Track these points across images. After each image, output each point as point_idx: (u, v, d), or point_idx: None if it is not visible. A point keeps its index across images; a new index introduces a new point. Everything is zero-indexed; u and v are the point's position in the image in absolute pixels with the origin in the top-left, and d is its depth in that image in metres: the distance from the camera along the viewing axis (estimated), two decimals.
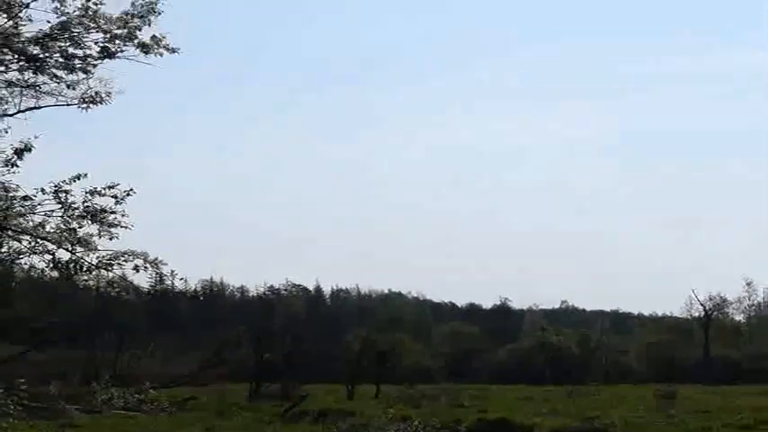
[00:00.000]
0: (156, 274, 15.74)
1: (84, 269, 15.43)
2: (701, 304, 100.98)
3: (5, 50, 14.70)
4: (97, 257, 15.07)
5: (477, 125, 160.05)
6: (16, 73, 15.01)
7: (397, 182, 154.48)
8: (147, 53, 14.21)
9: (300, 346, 79.77)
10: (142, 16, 13.96)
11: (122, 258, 15.07)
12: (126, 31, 14.02)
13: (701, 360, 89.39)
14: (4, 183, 15.93)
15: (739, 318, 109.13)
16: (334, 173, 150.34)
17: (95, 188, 15.39)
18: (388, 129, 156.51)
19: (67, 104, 15.57)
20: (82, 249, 15.35)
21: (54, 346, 58.46)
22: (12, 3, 14.11)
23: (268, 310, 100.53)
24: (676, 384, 60.46)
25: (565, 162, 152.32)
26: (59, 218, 15.42)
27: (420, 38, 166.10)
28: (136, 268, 14.89)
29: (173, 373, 64.65)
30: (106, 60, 14.47)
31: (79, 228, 15.40)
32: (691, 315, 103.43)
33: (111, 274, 15.37)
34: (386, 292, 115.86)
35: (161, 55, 14.16)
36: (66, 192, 15.35)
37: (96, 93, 15.06)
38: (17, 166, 15.61)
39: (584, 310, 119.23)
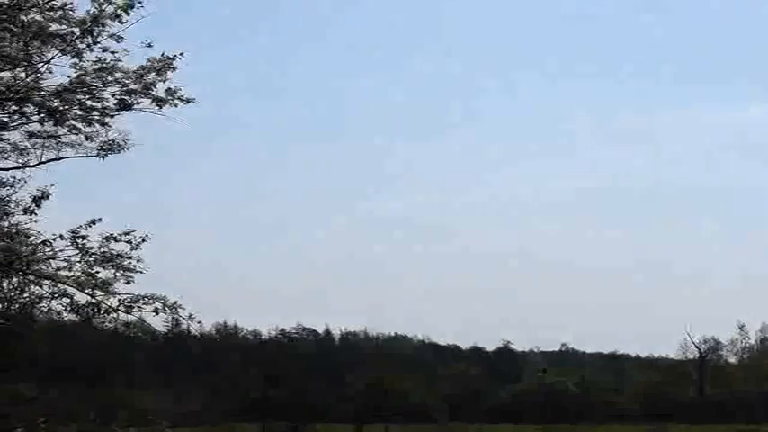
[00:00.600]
0: (173, 317, 15.71)
1: (103, 312, 15.39)
2: (696, 346, 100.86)
3: (27, 104, 14.74)
4: (118, 300, 15.05)
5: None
6: (37, 125, 15.06)
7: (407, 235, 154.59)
8: (161, 107, 14.27)
9: (309, 387, 79.70)
10: (159, 71, 14.04)
11: (142, 301, 15.04)
12: (142, 85, 14.09)
13: (696, 400, 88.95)
14: (24, 230, 15.94)
15: (733, 359, 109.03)
16: (339, 228, 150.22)
17: (111, 234, 15.39)
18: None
19: (87, 156, 15.66)
20: (102, 293, 15.32)
21: (71, 384, 58.30)
22: (33, 58, 14.17)
23: (279, 352, 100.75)
24: (669, 424, 60.05)
25: (567, 212, 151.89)
26: (78, 263, 15.39)
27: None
28: (156, 311, 14.86)
29: (184, 410, 64.38)
30: (123, 112, 14.53)
31: (98, 273, 15.38)
32: (686, 356, 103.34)
33: (129, 317, 15.32)
34: (392, 334, 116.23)
35: (176, 106, 14.23)
36: (83, 237, 15.35)
37: (113, 140, 15.13)
38: (35, 213, 15.62)
39: (583, 352, 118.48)
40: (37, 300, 17.11)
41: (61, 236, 15.43)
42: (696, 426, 66.18)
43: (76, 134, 14.96)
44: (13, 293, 23.52)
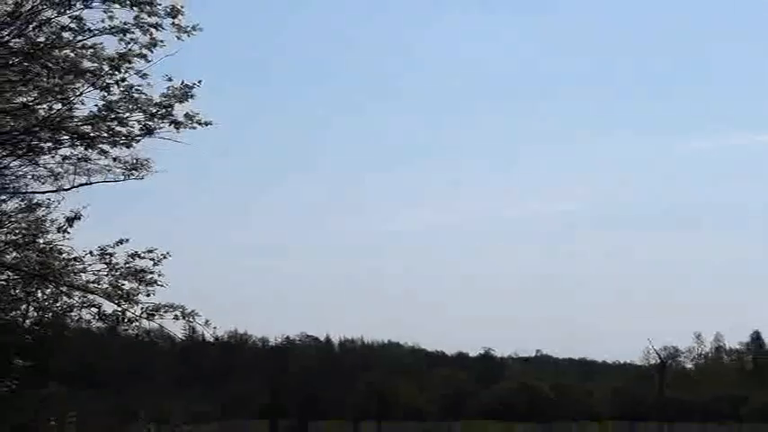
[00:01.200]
0: (190, 325, 15.66)
1: (127, 320, 15.34)
2: (657, 353, 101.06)
3: (61, 131, 14.77)
4: (141, 309, 15.02)
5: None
6: (70, 149, 15.12)
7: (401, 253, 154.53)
8: (178, 129, 14.27)
9: (312, 388, 79.60)
10: (180, 99, 14.05)
11: (163, 310, 14.98)
12: (164, 110, 14.12)
13: (658, 401, 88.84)
14: (58, 246, 15.96)
15: (690, 365, 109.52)
16: (342, 248, 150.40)
17: (136, 252, 15.37)
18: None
19: (115, 180, 15.77)
20: (126, 304, 15.31)
21: (98, 386, 58.03)
22: (66, 91, 14.22)
23: (285, 357, 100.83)
24: (635, 422, 59.88)
25: (541, 239, 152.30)
26: (106, 276, 15.37)
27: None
28: (175, 317, 14.80)
29: (200, 410, 64.19)
30: (147, 138, 14.54)
31: (123, 285, 15.36)
32: (648, 362, 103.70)
33: (151, 324, 15.27)
34: (385, 341, 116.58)
35: (194, 128, 14.21)
36: (111, 254, 15.34)
37: (137, 160, 15.18)
38: (68, 232, 15.67)
39: (556, 358, 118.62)
40: (68, 309, 17.05)
41: (91, 252, 15.41)
42: (658, 423, 66.10)
43: (105, 156, 14.98)
44: (47, 303, 23.40)
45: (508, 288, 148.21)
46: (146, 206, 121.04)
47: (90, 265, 15.29)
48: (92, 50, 13.87)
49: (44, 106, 14.48)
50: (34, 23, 13.61)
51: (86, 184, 16.18)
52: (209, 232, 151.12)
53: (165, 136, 14.32)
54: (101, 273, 15.13)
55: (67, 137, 14.62)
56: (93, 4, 13.43)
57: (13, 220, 20.30)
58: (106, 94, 13.93)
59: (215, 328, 15.05)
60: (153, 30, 13.55)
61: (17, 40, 13.76)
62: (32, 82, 13.95)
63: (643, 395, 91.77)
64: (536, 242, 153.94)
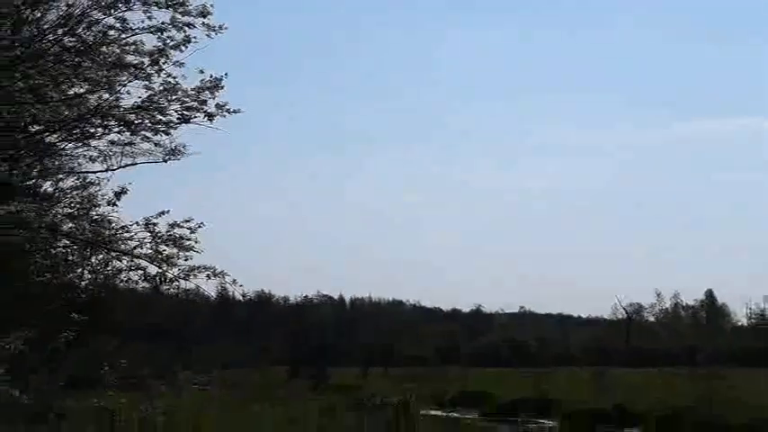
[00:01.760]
0: (221, 285, 15.64)
1: (167, 280, 15.33)
2: (624, 309, 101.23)
3: (109, 119, 14.78)
4: (179, 270, 15.02)
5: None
6: (117, 135, 15.13)
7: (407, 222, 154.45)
8: (211, 120, 14.24)
9: (327, 340, 79.82)
10: (210, 90, 14.02)
11: (197, 270, 14.97)
12: (197, 102, 14.11)
13: (625, 350, 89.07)
14: (108, 217, 15.99)
15: (652, 319, 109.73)
16: (354, 213, 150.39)
17: (175, 221, 15.34)
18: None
19: (155, 162, 15.86)
20: (167, 266, 15.29)
21: (144, 340, 58.14)
22: (113, 83, 14.22)
23: (303, 313, 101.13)
24: (605, 368, 59.98)
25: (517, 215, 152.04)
26: (149, 243, 15.36)
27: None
28: (208, 277, 14.79)
29: (229, 359, 64.43)
30: (183, 125, 14.52)
31: (164, 250, 15.34)
32: (616, 317, 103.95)
33: (188, 284, 15.27)
34: (390, 299, 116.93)
35: (224, 116, 14.19)
36: (154, 224, 15.32)
37: (176, 146, 15.19)
38: (117, 204, 15.70)
39: (537, 313, 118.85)
40: (118, 272, 17.09)
41: (137, 222, 15.41)
42: (626, 369, 66.39)
43: (147, 142, 14.99)
44: (99, 266, 23.48)
45: (496, 253, 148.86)
46: (183, 183, 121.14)
47: (136, 233, 15.30)
48: (134, 47, 13.87)
49: (94, 96, 14.47)
50: (84, 24, 13.62)
51: (132, 164, 16.29)
52: (239, 205, 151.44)
53: (199, 122, 14.31)
54: (145, 240, 15.09)
55: (115, 123, 14.63)
56: (134, 6, 13.37)
57: (69, 195, 20.38)
58: (148, 83, 13.94)
59: (242, 286, 15.04)
60: (186, 28, 13.53)
61: (70, 38, 13.76)
62: (83, 75, 13.92)
63: (612, 345, 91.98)
64: (523, 215, 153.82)
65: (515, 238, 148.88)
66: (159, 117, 14.22)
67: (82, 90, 14.36)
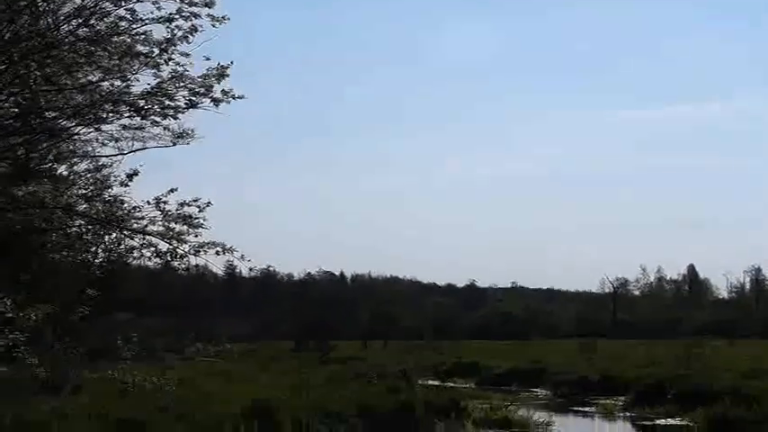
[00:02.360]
0: (229, 262, 15.76)
1: (178, 256, 15.45)
2: (611, 283, 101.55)
3: (120, 104, 14.91)
4: (189, 246, 15.14)
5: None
6: (128, 119, 15.25)
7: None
8: (217, 105, 14.36)
9: (329, 314, 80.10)
10: (216, 77, 14.14)
11: (206, 247, 15.10)
12: (204, 89, 14.22)
13: (612, 323, 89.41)
14: (120, 197, 16.12)
15: (637, 293, 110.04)
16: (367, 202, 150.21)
17: (185, 200, 15.47)
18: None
19: (165, 146, 16.00)
20: (177, 243, 15.41)
21: (155, 314, 58.35)
22: (124, 70, 14.34)
23: (306, 289, 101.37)
24: (595, 339, 60.24)
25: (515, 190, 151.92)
26: (160, 221, 15.49)
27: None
28: (217, 253, 14.92)
29: (237, 333, 64.60)
30: (191, 110, 14.64)
31: (174, 228, 15.46)
32: (603, 290, 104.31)
33: (197, 260, 15.42)
34: (388, 276, 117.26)
35: (229, 102, 14.30)
36: (165, 202, 15.44)
37: (184, 130, 15.32)
38: (128, 185, 15.83)
39: (528, 288, 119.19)
40: (130, 249, 17.20)
41: (148, 202, 15.54)
42: (612, 339, 66.72)
43: (156, 126, 15.12)
44: (112, 245, 23.63)
45: (488, 231, 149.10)
46: (190, 164, 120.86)
47: (147, 213, 15.43)
48: (143, 36, 13.97)
49: (106, 83, 14.61)
50: (96, 15, 13.72)
51: (142, 148, 16.48)
52: (243, 187, 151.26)
53: (205, 108, 14.42)
54: (156, 218, 15.24)
55: (126, 109, 14.74)
56: None
57: (83, 177, 20.54)
58: (157, 71, 14.05)
59: (249, 261, 15.15)
60: (193, 18, 13.63)
61: (83, 28, 13.85)
62: (96, 63, 14.03)
63: (600, 317, 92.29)
64: (514, 197, 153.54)
65: (508, 216, 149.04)
66: (168, 102, 14.36)
67: (94, 78, 14.50)
